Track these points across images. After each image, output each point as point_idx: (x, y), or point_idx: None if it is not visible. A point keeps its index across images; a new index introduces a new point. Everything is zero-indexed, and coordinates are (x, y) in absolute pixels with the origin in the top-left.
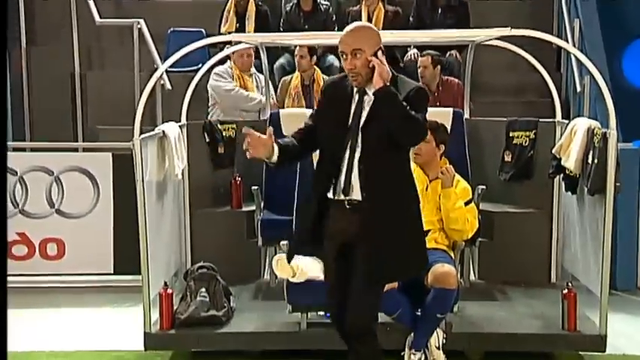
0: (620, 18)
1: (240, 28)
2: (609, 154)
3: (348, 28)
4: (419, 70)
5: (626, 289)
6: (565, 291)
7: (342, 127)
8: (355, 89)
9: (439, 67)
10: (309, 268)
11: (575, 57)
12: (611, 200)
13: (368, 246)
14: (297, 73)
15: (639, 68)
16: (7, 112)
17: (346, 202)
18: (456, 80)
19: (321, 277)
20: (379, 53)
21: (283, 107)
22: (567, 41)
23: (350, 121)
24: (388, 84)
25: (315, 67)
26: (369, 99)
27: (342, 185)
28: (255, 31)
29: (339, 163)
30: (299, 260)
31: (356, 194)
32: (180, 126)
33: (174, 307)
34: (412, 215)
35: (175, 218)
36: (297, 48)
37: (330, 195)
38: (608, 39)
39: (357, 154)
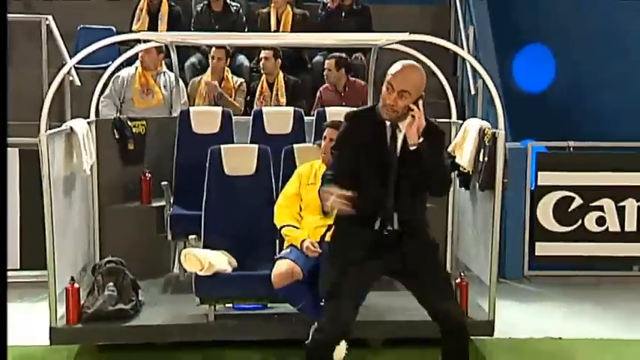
0: (511, 26)
1: (153, 27)
2: (498, 153)
3: (405, 64)
4: (324, 73)
5: (514, 277)
6: (458, 280)
7: (381, 160)
8: (388, 123)
9: (344, 69)
10: (217, 261)
11: (469, 62)
12: (499, 195)
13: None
14: (207, 73)
15: (528, 73)
16: (6, 112)
17: (385, 231)
18: (362, 82)
19: (229, 269)
20: (420, 102)
21: (194, 105)
22: (463, 47)
23: (387, 155)
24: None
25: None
26: (401, 135)
27: (386, 218)
28: (168, 30)
29: (381, 196)
30: (207, 253)
31: (395, 224)
32: (89, 122)
33: (82, 302)
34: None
35: (84, 214)
36: (213, 50)
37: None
38: (500, 45)
39: (393, 189)
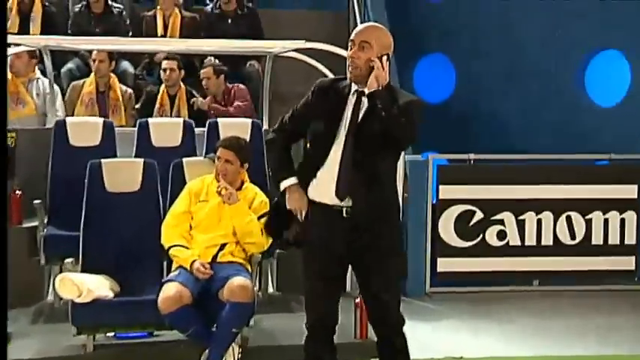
0: (411, 36)
1: (23, 30)
2: (398, 166)
3: (364, 24)
4: (203, 82)
5: (415, 295)
6: (357, 300)
7: (335, 126)
8: (352, 90)
9: (222, 76)
10: (97, 286)
11: None
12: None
13: (376, 250)
14: (91, 79)
15: (429, 83)
16: (6, 111)
17: (344, 210)
18: (242, 86)
19: (110, 295)
20: (384, 58)
21: (73, 114)
22: None
23: (346, 120)
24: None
25: (111, 73)
26: (365, 101)
27: (335, 189)
28: (41, 33)
29: (327, 161)
30: (85, 278)
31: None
32: None
33: None
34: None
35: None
36: (95, 51)
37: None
38: (400, 55)
39: (349, 155)
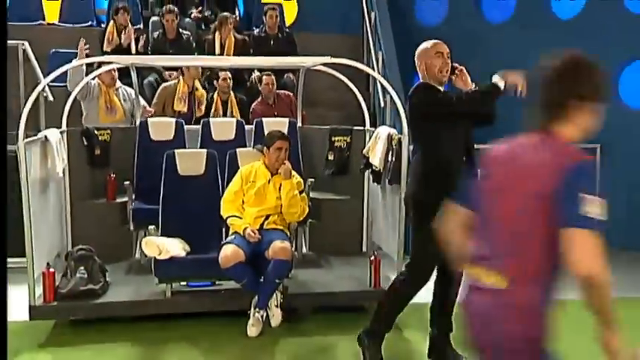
0: (412, 51)
1: (122, 48)
2: (403, 154)
3: (433, 40)
4: (262, 86)
5: None
6: (372, 258)
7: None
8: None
9: (275, 85)
10: (173, 247)
11: (379, 81)
12: (404, 188)
13: None
14: (182, 82)
15: None
16: (6, 111)
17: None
18: (288, 93)
19: (183, 254)
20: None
21: (169, 109)
22: (374, 68)
23: None
24: None
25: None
26: None
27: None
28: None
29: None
30: (164, 241)
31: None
32: (60, 132)
33: (57, 284)
34: None
35: (57, 209)
36: (184, 68)
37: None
38: (404, 66)
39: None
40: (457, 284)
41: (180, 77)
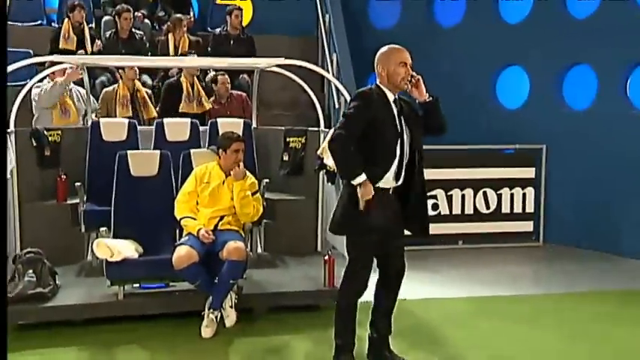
0: (365, 54)
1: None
2: None
3: (397, 47)
4: (217, 87)
5: None
6: (326, 257)
7: (394, 128)
8: (392, 98)
9: (229, 85)
10: (125, 249)
11: (333, 83)
12: None
13: (417, 205)
14: (122, 85)
15: None
16: (6, 111)
17: (391, 190)
18: (241, 93)
19: (135, 255)
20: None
21: (107, 114)
22: (328, 70)
23: (397, 122)
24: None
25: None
26: (399, 103)
27: (394, 175)
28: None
29: (392, 158)
30: (116, 242)
31: (399, 181)
32: (8, 132)
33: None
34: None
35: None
36: (127, 69)
37: (382, 185)
38: (357, 69)
39: (406, 149)
40: (397, 287)
41: (120, 81)
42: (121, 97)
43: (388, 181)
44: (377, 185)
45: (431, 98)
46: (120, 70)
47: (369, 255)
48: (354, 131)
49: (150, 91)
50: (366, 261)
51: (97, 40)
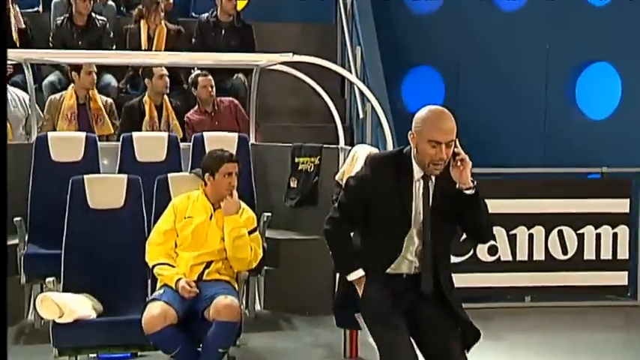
0: (399, 47)
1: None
2: None
3: (434, 111)
4: (197, 91)
5: None
6: None
7: (402, 216)
8: (417, 176)
9: (214, 88)
10: (78, 305)
11: (357, 85)
12: None
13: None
14: (70, 92)
15: (416, 96)
16: (6, 112)
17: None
18: (232, 99)
19: (93, 315)
20: (457, 142)
21: (54, 129)
22: (350, 68)
23: (414, 205)
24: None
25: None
26: (432, 184)
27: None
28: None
29: (400, 245)
30: (67, 298)
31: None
32: None
33: None
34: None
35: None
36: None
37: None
38: (388, 67)
39: (427, 240)
40: None
41: (70, 86)
42: (66, 108)
43: (400, 268)
44: (387, 272)
45: (472, 189)
46: (73, 72)
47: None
48: (350, 214)
49: (109, 100)
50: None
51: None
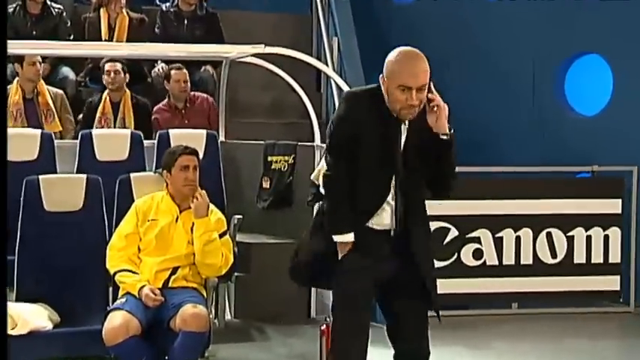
0: (379, 39)
1: None
2: None
3: (405, 54)
4: (170, 85)
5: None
6: (323, 327)
7: (388, 157)
8: (396, 118)
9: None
10: (33, 316)
11: (333, 79)
12: None
13: (418, 275)
14: (15, 86)
15: None
16: (6, 112)
17: (391, 232)
18: (205, 95)
19: (49, 326)
20: (430, 85)
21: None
22: (326, 61)
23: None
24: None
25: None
26: (405, 128)
27: (392, 216)
28: None
29: (385, 193)
30: (20, 308)
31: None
32: None
33: None
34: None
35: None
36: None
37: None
38: (368, 60)
39: (399, 184)
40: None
41: (15, 80)
42: (11, 104)
43: (382, 224)
44: (367, 225)
45: (447, 136)
46: (15, 64)
47: (360, 293)
48: (343, 167)
49: (60, 92)
50: (357, 304)
51: None
